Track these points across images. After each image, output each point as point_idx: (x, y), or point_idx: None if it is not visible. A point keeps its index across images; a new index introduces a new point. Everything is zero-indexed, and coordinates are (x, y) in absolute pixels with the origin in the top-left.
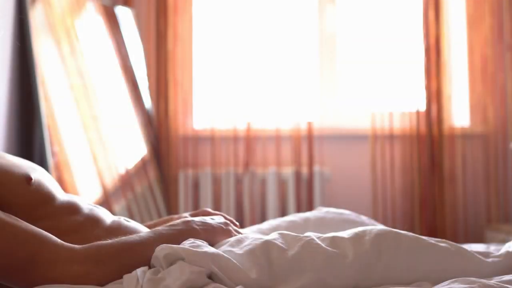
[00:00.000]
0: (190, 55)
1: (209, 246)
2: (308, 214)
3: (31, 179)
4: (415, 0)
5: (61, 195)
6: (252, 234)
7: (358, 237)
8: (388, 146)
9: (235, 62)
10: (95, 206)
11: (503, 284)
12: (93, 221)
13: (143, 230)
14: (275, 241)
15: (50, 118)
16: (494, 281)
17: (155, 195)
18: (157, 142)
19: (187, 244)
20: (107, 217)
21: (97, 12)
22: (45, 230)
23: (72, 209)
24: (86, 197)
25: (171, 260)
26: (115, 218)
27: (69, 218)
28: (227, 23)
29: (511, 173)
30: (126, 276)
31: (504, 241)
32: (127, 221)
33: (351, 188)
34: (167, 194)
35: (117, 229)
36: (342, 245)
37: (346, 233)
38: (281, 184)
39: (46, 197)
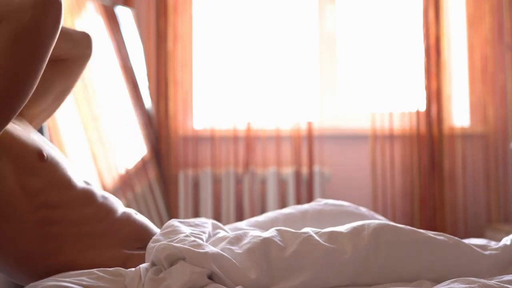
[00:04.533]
0: (190, 55)
1: (210, 246)
2: (306, 207)
3: (43, 155)
4: (415, 0)
5: (78, 182)
6: (251, 231)
7: (356, 231)
8: (388, 146)
9: (235, 62)
10: (108, 195)
11: (503, 284)
12: (105, 212)
13: (150, 225)
14: (274, 239)
15: (50, 118)
16: (494, 281)
17: (155, 195)
18: (157, 142)
19: (188, 243)
20: (119, 208)
21: (97, 12)
22: (56, 219)
23: (87, 198)
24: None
25: (172, 260)
26: (126, 209)
27: (82, 209)
28: (227, 23)
29: (511, 173)
30: (129, 272)
31: None
32: (136, 214)
33: (351, 188)
34: (167, 194)
35: (126, 221)
36: (340, 240)
37: (344, 228)
38: (281, 184)
39: (63, 181)
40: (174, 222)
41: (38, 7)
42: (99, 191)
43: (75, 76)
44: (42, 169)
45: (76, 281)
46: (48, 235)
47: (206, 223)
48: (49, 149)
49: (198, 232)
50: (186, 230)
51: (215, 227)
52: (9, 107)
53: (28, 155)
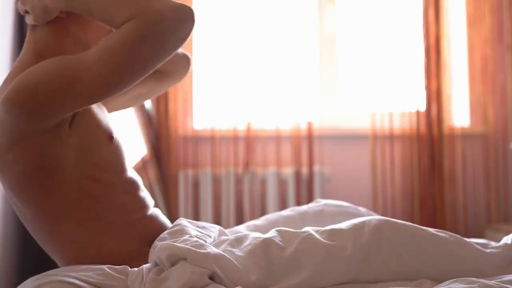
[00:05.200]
0: (190, 55)
1: (212, 247)
2: (305, 208)
3: (113, 137)
4: (415, 0)
5: (129, 169)
6: (252, 234)
7: (357, 228)
8: (388, 146)
9: (235, 62)
10: (146, 191)
11: (503, 284)
12: (140, 205)
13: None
14: (274, 239)
15: None
16: (494, 281)
17: (155, 195)
18: (157, 142)
19: (190, 244)
20: (151, 205)
21: None
22: (95, 195)
23: (130, 187)
24: None
25: (174, 260)
26: (154, 209)
27: (123, 195)
28: (227, 23)
29: (511, 173)
30: (133, 272)
31: None
32: (161, 215)
33: (351, 188)
34: (167, 194)
35: (154, 219)
36: (340, 237)
37: (345, 225)
38: (281, 184)
39: (118, 166)
40: (182, 221)
41: (179, 19)
42: (141, 185)
43: (161, 89)
44: (106, 149)
45: (83, 277)
46: (81, 205)
47: (214, 227)
48: (117, 134)
49: (203, 234)
50: (192, 231)
51: (221, 233)
52: (103, 93)
53: (100, 133)
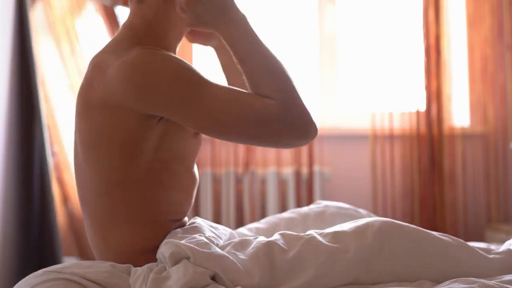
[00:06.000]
0: (190, 55)
1: (216, 248)
2: (306, 210)
3: (197, 132)
4: (415, 0)
5: (195, 169)
6: (256, 238)
7: (360, 230)
8: (388, 146)
9: None
10: None
11: (503, 284)
12: (187, 208)
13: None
14: (277, 242)
15: (50, 118)
16: (494, 281)
17: None
18: None
19: (195, 242)
20: (187, 213)
21: (97, 12)
22: (158, 181)
23: (189, 184)
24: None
25: (176, 259)
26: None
27: (178, 194)
28: None
29: (511, 173)
30: (134, 270)
31: (504, 241)
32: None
33: (351, 188)
34: None
35: (183, 225)
36: (344, 239)
37: (348, 227)
38: (281, 184)
39: (189, 159)
40: (197, 219)
41: (306, 133)
42: (196, 188)
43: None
44: (189, 140)
45: (88, 275)
46: (138, 186)
47: (226, 230)
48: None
49: (215, 236)
50: (207, 231)
51: (231, 238)
52: (200, 128)
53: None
